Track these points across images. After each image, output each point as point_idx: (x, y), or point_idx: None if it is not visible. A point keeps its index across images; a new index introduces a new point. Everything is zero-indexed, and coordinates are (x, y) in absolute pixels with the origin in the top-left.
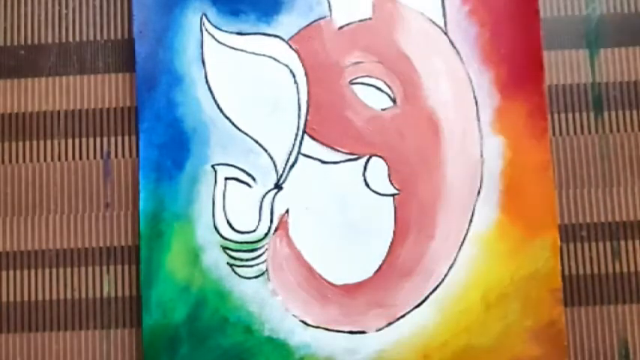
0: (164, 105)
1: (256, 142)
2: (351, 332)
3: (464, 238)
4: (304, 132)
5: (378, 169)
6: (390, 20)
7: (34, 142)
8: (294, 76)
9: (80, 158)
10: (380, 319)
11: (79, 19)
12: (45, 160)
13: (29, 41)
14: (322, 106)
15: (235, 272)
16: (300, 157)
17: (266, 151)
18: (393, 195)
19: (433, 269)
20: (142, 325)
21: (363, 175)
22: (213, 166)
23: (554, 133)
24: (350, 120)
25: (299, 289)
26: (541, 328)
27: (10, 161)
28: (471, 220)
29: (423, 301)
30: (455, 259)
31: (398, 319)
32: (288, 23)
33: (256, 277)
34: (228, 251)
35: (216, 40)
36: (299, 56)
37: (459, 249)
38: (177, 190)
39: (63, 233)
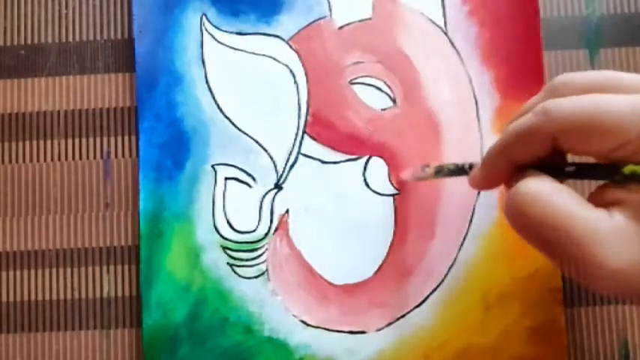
0: (164, 105)
1: (256, 142)
2: (351, 332)
3: (464, 238)
4: (304, 132)
5: (378, 169)
6: (390, 20)
7: (34, 142)
8: (294, 76)
9: (80, 158)
10: (380, 319)
11: (79, 19)
12: (45, 160)
13: (29, 41)
14: (322, 106)
15: (235, 272)
16: (300, 157)
17: (266, 151)
18: (393, 195)
19: (433, 269)
20: (142, 325)
21: (363, 175)
22: (213, 166)
23: None
24: (350, 120)
25: (299, 289)
26: (541, 328)
27: (10, 161)
28: (470, 220)
29: (423, 301)
30: (455, 259)
31: (398, 319)
32: (288, 23)
33: (256, 277)
34: (228, 251)
35: (216, 40)
36: (299, 56)
37: (459, 249)
38: (177, 190)
39: (63, 233)
